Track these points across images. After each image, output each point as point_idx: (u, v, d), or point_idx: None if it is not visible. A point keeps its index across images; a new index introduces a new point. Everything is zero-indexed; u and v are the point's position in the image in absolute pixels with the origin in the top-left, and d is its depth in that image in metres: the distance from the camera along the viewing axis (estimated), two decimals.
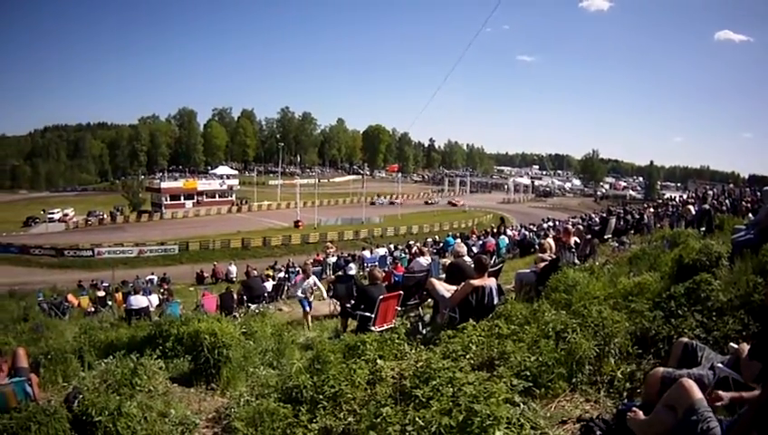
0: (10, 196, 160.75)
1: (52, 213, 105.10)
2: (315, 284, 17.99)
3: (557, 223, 46.87)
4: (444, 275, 12.85)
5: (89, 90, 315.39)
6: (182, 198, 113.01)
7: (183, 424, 7.00)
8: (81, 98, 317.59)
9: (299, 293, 17.97)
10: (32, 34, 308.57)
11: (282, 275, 37.47)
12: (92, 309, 29.80)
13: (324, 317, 17.80)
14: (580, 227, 28.87)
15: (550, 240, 16.01)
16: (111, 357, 8.75)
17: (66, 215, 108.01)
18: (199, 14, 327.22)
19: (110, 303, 31.62)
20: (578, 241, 15.87)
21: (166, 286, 38.88)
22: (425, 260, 19.17)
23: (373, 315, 11.79)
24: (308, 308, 17.29)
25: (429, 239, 47.38)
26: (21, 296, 42.47)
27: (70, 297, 34.00)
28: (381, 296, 11.98)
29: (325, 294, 19.42)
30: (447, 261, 16.68)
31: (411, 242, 46.33)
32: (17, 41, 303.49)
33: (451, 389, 5.22)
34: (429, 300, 13.88)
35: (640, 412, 4.74)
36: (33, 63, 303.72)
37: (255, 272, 31.65)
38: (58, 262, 70.22)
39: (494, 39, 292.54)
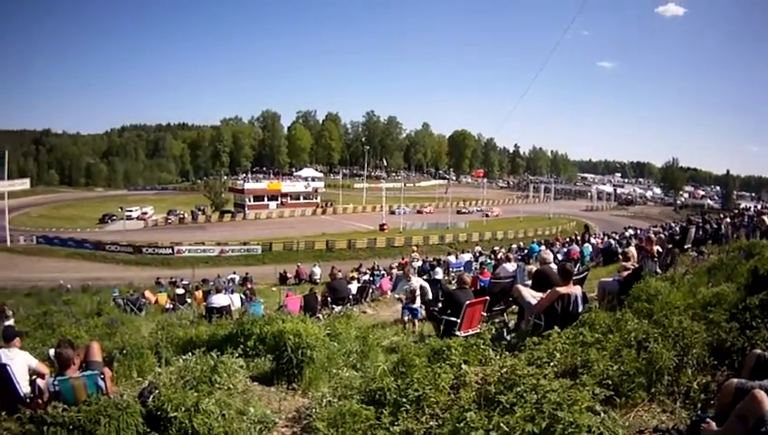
0: (85, 193, 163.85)
1: (131, 211, 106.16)
2: (422, 286, 16.80)
3: (639, 232, 46.43)
4: (529, 282, 12.74)
5: (169, 91, 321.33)
6: (266, 199, 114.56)
7: (262, 422, 7.09)
8: (161, 99, 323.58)
9: (396, 295, 17.66)
10: (112, 35, 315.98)
11: (366, 277, 37.07)
12: (170, 306, 29.82)
13: (397, 322, 17.43)
14: (662, 236, 28.48)
15: (632, 249, 15.90)
16: (190, 354, 8.94)
17: (145, 213, 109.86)
18: (284, 17, 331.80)
19: (189, 300, 31.66)
20: (660, 250, 15.74)
21: (248, 286, 38.94)
22: (511, 266, 18.96)
23: (459, 320, 11.77)
24: (408, 316, 16.22)
25: (514, 246, 47.08)
26: (94, 291, 43.18)
27: (147, 294, 34.16)
28: (468, 301, 11.93)
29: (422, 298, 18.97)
30: (533, 268, 16.60)
31: (496, 248, 45.79)
32: (97, 41, 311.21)
33: (535, 395, 5.24)
34: (514, 306, 13.88)
35: (713, 423, 4.80)
36: (111, 63, 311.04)
37: (340, 274, 31.85)
38: (135, 259, 71.59)
39: (574, 45, 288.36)
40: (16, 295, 44.04)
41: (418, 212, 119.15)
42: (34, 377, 7.97)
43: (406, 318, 15.91)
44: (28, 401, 7.51)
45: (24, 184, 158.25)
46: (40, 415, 6.26)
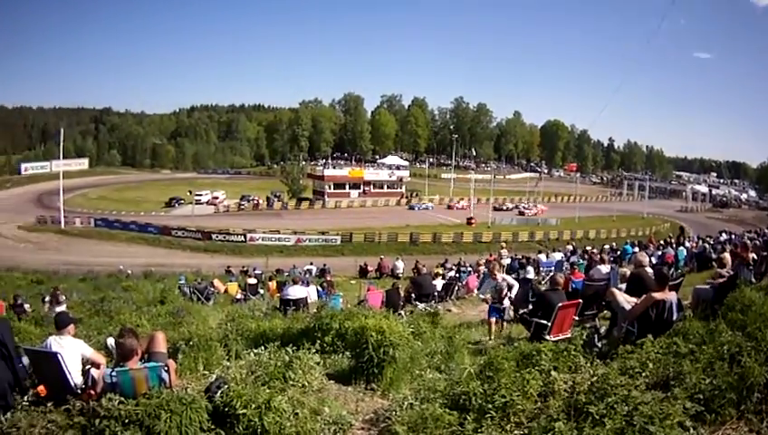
0: (150, 175, 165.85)
1: (200, 195, 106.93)
2: (509, 284, 16.32)
3: (733, 237, 45.20)
4: (623, 286, 12.59)
5: (242, 71, 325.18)
6: (347, 187, 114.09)
7: (336, 423, 7.04)
8: (234, 79, 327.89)
9: (481, 295, 17.33)
10: (180, 13, 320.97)
11: (452, 273, 37.08)
12: (241, 296, 29.63)
13: (483, 322, 17.06)
14: (757, 242, 27.94)
15: (727, 255, 15.59)
16: (263, 348, 8.96)
17: (216, 197, 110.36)
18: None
19: (261, 291, 31.54)
20: (755, 258, 15.43)
21: (326, 278, 39.07)
22: (605, 268, 18.73)
23: (550, 323, 11.66)
24: (495, 317, 15.75)
25: (606, 246, 45.94)
26: (157, 278, 43.23)
27: (216, 283, 33.98)
28: (560, 304, 11.83)
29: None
30: (627, 270, 16.37)
31: (588, 248, 45.07)
32: (162, 19, 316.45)
33: (626, 407, 5.24)
34: (605, 311, 13.72)
35: None
36: (178, 42, 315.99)
37: (425, 269, 31.74)
38: (203, 246, 71.94)
39: (671, 34, 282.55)
40: (70, 280, 45.09)
41: (449, 207, 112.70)
42: (88, 367, 7.93)
43: (492, 319, 15.59)
44: (79, 392, 7.46)
45: (81, 164, 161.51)
46: (92, 407, 6.33)
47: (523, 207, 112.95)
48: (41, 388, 7.68)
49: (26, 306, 23.47)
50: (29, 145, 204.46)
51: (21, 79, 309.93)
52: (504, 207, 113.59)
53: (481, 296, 16.97)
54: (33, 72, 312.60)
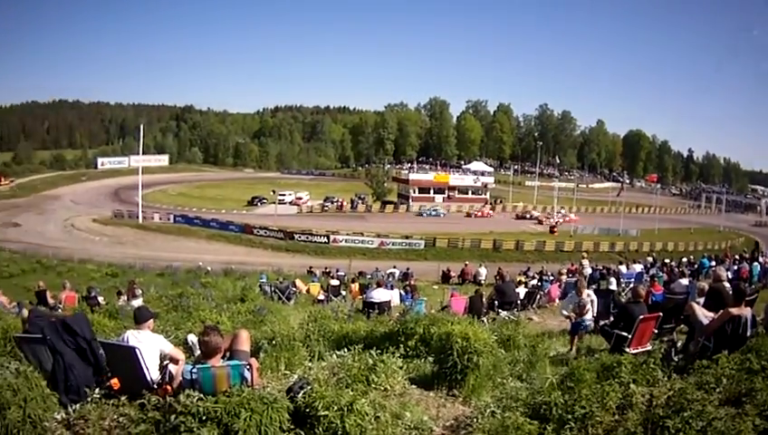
0: (233, 173, 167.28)
1: (284, 195, 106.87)
2: (593, 301, 15.95)
3: None
4: (701, 300, 12.46)
5: (327, 73, 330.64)
6: (431, 191, 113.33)
7: (417, 429, 7.04)
8: (318, 81, 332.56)
9: (564, 311, 17.17)
10: (266, 16, 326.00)
11: (534, 282, 36.83)
12: (323, 298, 29.77)
13: (564, 332, 16.96)
14: None
15: None
16: (346, 350, 8.99)
17: (299, 198, 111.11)
18: (455, 2, 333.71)
19: (343, 293, 31.62)
20: None
21: (409, 282, 38.50)
22: (685, 281, 18.67)
23: (630, 335, 11.61)
24: (578, 331, 15.38)
25: (684, 259, 45.41)
26: (238, 276, 43.62)
27: (297, 283, 33.78)
28: (641, 316, 11.76)
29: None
30: (704, 284, 16.23)
31: (666, 260, 44.95)
32: (248, 20, 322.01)
33: (701, 422, 5.25)
34: (682, 325, 13.61)
35: None
36: (266, 44, 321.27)
37: (508, 276, 31.53)
38: (285, 245, 72.71)
39: (750, 45, 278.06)
40: (147, 274, 45.98)
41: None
42: (166, 362, 7.98)
43: (576, 337, 15.27)
44: (155, 387, 7.52)
45: (161, 160, 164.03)
46: (168, 402, 6.35)
47: (547, 217, 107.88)
48: (114, 381, 7.76)
49: (100, 299, 23.81)
50: (106, 140, 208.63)
51: (98, 75, 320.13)
52: (528, 216, 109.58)
53: (564, 313, 16.69)
54: (111, 69, 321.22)
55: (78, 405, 7.11)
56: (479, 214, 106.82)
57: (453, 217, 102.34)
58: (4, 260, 55.53)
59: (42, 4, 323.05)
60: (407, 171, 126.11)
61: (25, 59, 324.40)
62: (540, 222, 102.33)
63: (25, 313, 8.99)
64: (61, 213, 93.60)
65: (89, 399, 7.22)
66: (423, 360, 9.89)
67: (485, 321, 16.47)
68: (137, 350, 7.68)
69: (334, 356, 9.22)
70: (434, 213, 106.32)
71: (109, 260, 57.39)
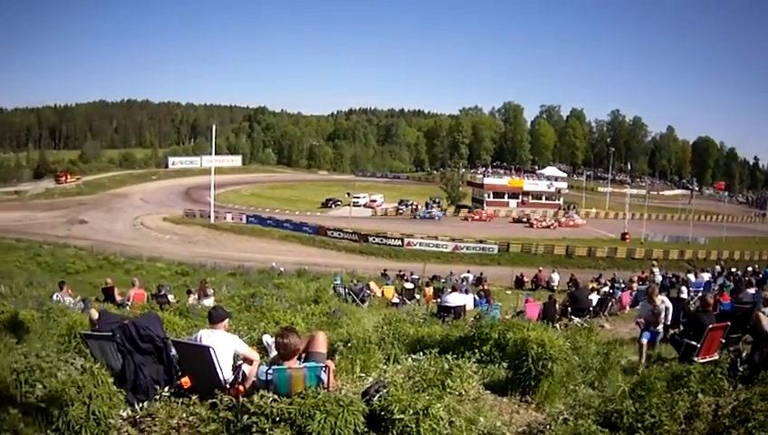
0: (307, 175, 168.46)
1: (358, 197, 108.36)
2: (667, 308, 15.34)
3: None
4: (766, 309, 12.37)
5: (402, 77, 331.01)
6: (506, 196, 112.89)
7: (491, 434, 7.01)
8: (392, 84, 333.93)
9: (636, 319, 16.89)
10: (339, 18, 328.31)
11: (606, 289, 36.43)
12: (397, 300, 29.47)
13: (635, 340, 16.91)
14: None
15: None
16: (421, 354, 9.02)
17: (374, 201, 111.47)
18: (529, 8, 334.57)
19: (417, 296, 31.62)
20: None
21: (483, 286, 38.89)
22: (752, 291, 18.47)
23: (699, 345, 11.56)
24: (647, 338, 14.85)
25: (749, 268, 45.10)
26: (311, 277, 43.84)
27: (372, 285, 34.31)
28: (711, 325, 11.71)
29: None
30: None
31: (733, 269, 44.43)
32: (322, 24, 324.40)
33: (764, 433, 5.32)
34: (747, 335, 13.45)
35: None
36: (339, 47, 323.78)
37: (581, 283, 31.58)
38: (359, 247, 73.05)
39: None
40: (218, 274, 46.39)
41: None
42: (240, 362, 8.08)
43: (644, 341, 14.83)
44: (227, 387, 7.58)
45: (234, 161, 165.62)
46: (241, 403, 6.43)
47: (540, 220, 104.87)
48: (185, 380, 7.90)
49: (170, 297, 23.97)
50: (177, 140, 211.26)
51: (168, 76, 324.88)
52: (524, 220, 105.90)
53: (637, 320, 16.45)
54: (182, 70, 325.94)
55: (146, 403, 7.27)
56: (476, 217, 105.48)
57: (451, 221, 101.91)
58: (70, 256, 56.56)
59: (112, 4, 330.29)
60: (481, 176, 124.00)
61: (93, 59, 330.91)
62: (531, 225, 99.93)
63: (94, 313, 9.03)
64: (130, 211, 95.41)
65: (157, 397, 7.41)
66: (497, 365, 9.87)
67: (558, 327, 16.29)
68: (211, 349, 7.71)
69: (409, 360, 9.29)
70: (427, 215, 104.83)
71: (179, 259, 58.20)
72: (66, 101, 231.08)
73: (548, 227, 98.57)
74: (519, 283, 49.82)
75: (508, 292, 44.00)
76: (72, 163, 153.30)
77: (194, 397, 7.27)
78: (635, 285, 33.99)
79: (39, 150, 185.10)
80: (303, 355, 7.61)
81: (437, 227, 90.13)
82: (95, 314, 8.85)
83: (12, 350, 8.91)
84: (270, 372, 6.87)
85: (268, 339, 9.97)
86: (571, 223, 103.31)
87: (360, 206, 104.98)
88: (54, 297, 21.97)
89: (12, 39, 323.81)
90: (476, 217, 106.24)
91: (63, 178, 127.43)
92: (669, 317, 15.05)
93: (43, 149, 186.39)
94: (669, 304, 15.65)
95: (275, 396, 6.43)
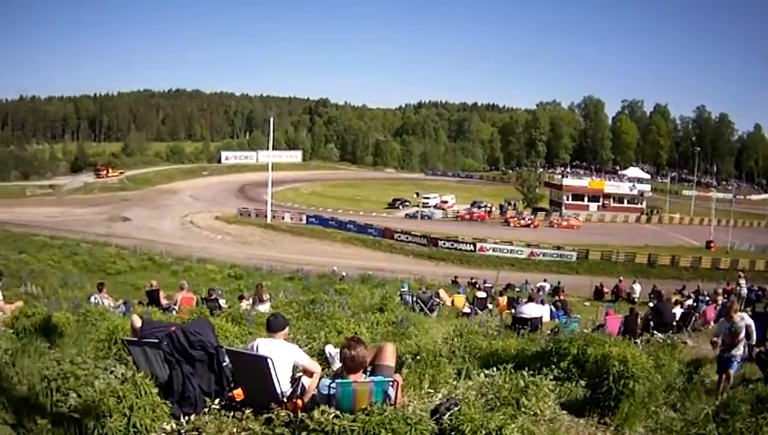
0: (373, 173, 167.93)
1: (428, 198, 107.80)
2: (747, 326, 15.70)
3: None
4: None
5: (474, 68, 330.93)
6: (586, 198, 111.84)
7: None
8: (465, 76, 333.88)
9: (713, 338, 16.53)
10: (410, 14, 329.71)
11: (690, 302, 35.73)
12: (468, 310, 29.35)
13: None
14: None
15: None
16: (495, 369, 8.94)
17: (445, 202, 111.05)
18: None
19: (490, 306, 31.64)
20: None
21: (559, 297, 37.85)
22: None
23: None
24: (733, 370, 13.87)
25: None
26: (376, 283, 43.54)
27: (441, 293, 33.57)
28: None
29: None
30: None
31: None
32: (394, 16, 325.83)
33: None
34: None
35: None
36: (407, 38, 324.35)
37: (665, 295, 31.03)
38: (428, 252, 72.64)
39: None
40: (274, 277, 46.29)
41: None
42: (299, 375, 7.95)
43: (732, 371, 13.73)
44: (284, 400, 7.44)
45: (293, 156, 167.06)
46: (300, 418, 6.38)
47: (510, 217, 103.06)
48: (237, 392, 7.74)
49: (222, 301, 23.49)
50: (230, 133, 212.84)
51: (221, 64, 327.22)
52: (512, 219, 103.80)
53: (713, 339, 16.07)
54: (236, 58, 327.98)
55: (193, 416, 7.20)
56: (466, 216, 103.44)
57: (447, 220, 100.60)
58: (111, 256, 56.93)
59: None
60: (560, 176, 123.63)
61: (139, 46, 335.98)
62: (507, 222, 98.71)
63: (136, 320, 8.91)
64: (178, 209, 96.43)
65: (206, 410, 7.34)
66: (574, 383, 9.73)
67: (639, 343, 16.01)
68: (269, 360, 7.48)
69: (482, 375, 9.20)
70: (423, 215, 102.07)
71: (231, 261, 58.21)
72: (107, 89, 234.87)
73: (528, 226, 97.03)
74: (598, 293, 49.33)
75: (586, 303, 43.49)
76: (113, 156, 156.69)
77: (247, 411, 7.20)
78: (720, 298, 33.35)
79: (77, 142, 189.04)
80: (369, 368, 7.51)
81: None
82: (138, 322, 8.70)
83: (43, 355, 8.81)
84: (333, 385, 6.72)
85: (331, 350, 9.85)
86: (565, 224, 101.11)
87: (429, 207, 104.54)
88: (92, 299, 21.90)
89: (46, 25, 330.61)
90: (562, 222, 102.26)
91: (104, 172, 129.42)
92: (753, 336, 14.79)
93: (82, 141, 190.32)
94: (750, 322, 15.38)
95: (337, 412, 6.34)
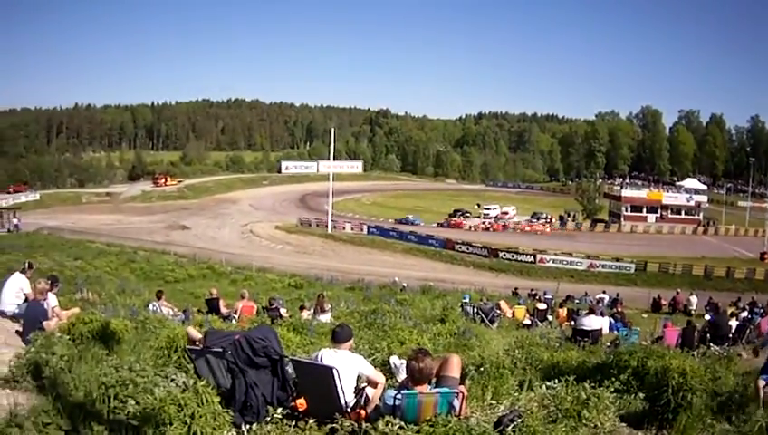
0: (433, 184, 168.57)
1: (489, 209, 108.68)
2: None
3: None
4: None
5: (534, 78, 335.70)
6: (644, 210, 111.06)
7: None
8: (524, 86, 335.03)
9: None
10: (472, 26, 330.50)
11: (745, 314, 35.06)
12: (529, 322, 29.28)
13: None
14: None
15: None
16: (556, 381, 8.92)
17: (505, 213, 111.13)
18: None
19: (549, 318, 31.27)
20: None
21: (618, 309, 38.18)
22: None
23: None
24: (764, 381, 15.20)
25: None
26: (437, 294, 42.86)
27: (502, 304, 33.20)
28: None
29: None
30: None
31: None
32: (454, 28, 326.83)
33: None
34: None
35: None
36: (466, 48, 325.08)
37: (722, 308, 30.74)
38: (488, 263, 72.49)
39: None
40: (336, 288, 46.01)
41: (441, 225, 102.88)
42: (363, 385, 7.93)
43: (761, 383, 14.86)
44: (348, 410, 7.42)
45: (354, 167, 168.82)
46: (364, 429, 6.43)
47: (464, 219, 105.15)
48: (300, 401, 7.61)
49: (282, 311, 23.56)
50: (290, 143, 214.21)
51: (281, 74, 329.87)
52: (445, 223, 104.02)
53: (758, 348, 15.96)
54: (295, 69, 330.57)
55: (255, 425, 7.19)
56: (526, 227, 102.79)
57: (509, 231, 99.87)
58: (169, 264, 56.73)
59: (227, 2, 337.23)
60: (619, 187, 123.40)
61: (197, 56, 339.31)
62: (456, 225, 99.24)
63: (194, 333, 8.89)
64: (238, 218, 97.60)
65: (268, 418, 7.31)
66: (633, 396, 9.65)
67: (696, 355, 15.77)
68: (335, 370, 7.42)
69: (544, 387, 9.15)
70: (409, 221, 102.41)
71: (292, 270, 57.87)
72: (164, 99, 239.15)
73: (487, 229, 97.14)
74: (656, 305, 48.97)
75: (644, 315, 43.32)
76: (172, 165, 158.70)
77: (310, 421, 7.17)
78: None
79: (134, 151, 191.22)
80: (434, 379, 7.47)
81: (572, 242, 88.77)
82: (196, 334, 8.72)
83: (100, 362, 8.84)
84: (399, 397, 6.80)
85: (396, 361, 9.88)
86: (528, 229, 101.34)
87: (490, 218, 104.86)
88: (150, 307, 22.01)
89: (104, 35, 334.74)
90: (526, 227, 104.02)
91: (163, 180, 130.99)
92: None
93: (139, 150, 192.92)
94: None
95: (402, 423, 6.42)
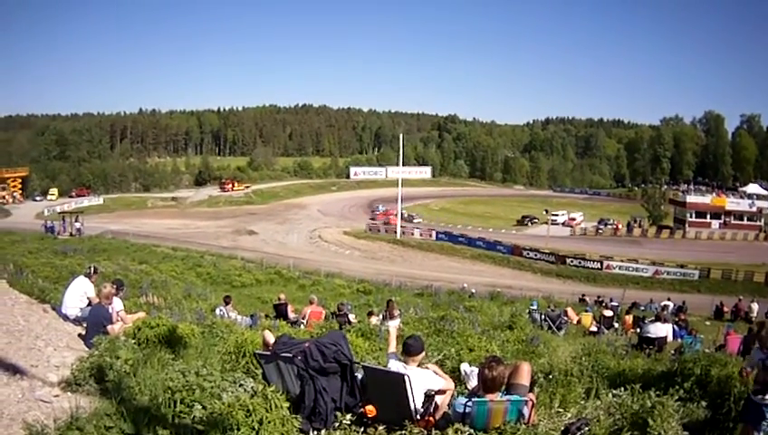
0: (502, 189, 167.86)
1: (556, 215, 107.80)
2: None
3: None
4: None
5: (602, 84, 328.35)
6: (708, 216, 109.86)
7: None
8: (593, 91, 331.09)
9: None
10: (544, 31, 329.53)
11: None
12: (595, 329, 29.01)
13: None
14: None
15: None
16: (623, 389, 8.71)
17: (573, 219, 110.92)
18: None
19: (616, 325, 30.78)
20: None
21: (681, 316, 37.32)
22: None
23: None
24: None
25: None
26: (505, 301, 43.38)
27: (569, 311, 33.42)
28: None
29: None
30: None
31: None
32: (523, 31, 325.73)
33: None
34: None
35: None
36: (533, 53, 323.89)
37: None
38: (556, 270, 72.12)
39: None
40: (404, 293, 46.10)
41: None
42: (433, 392, 7.63)
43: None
44: (418, 418, 7.37)
45: (423, 172, 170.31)
46: None
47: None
48: (369, 408, 7.68)
49: (351, 316, 23.71)
50: (359, 149, 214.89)
51: (348, 80, 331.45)
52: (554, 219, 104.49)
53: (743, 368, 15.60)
54: (363, 75, 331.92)
55: (323, 431, 7.24)
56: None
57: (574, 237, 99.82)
58: (236, 268, 56.60)
59: (283, 7, 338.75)
60: (683, 193, 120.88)
61: (266, 64, 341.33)
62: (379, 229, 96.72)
63: (269, 336, 8.89)
64: (306, 223, 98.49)
65: (336, 424, 7.35)
66: (696, 404, 9.48)
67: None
68: (407, 377, 7.39)
69: (610, 395, 8.97)
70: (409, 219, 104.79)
71: (360, 276, 57.78)
72: (231, 104, 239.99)
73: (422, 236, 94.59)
74: (719, 312, 48.21)
75: (707, 322, 42.98)
76: (239, 170, 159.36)
77: (380, 428, 7.24)
78: None
79: (200, 156, 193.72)
80: (504, 387, 7.46)
81: (638, 248, 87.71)
82: (270, 337, 8.74)
83: (166, 366, 8.97)
84: (469, 404, 6.86)
85: (467, 368, 9.83)
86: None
87: (558, 224, 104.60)
88: (217, 311, 22.14)
89: (172, 42, 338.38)
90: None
91: (230, 185, 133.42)
92: None
93: (206, 155, 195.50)
94: None
95: (471, 430, 6.45)
